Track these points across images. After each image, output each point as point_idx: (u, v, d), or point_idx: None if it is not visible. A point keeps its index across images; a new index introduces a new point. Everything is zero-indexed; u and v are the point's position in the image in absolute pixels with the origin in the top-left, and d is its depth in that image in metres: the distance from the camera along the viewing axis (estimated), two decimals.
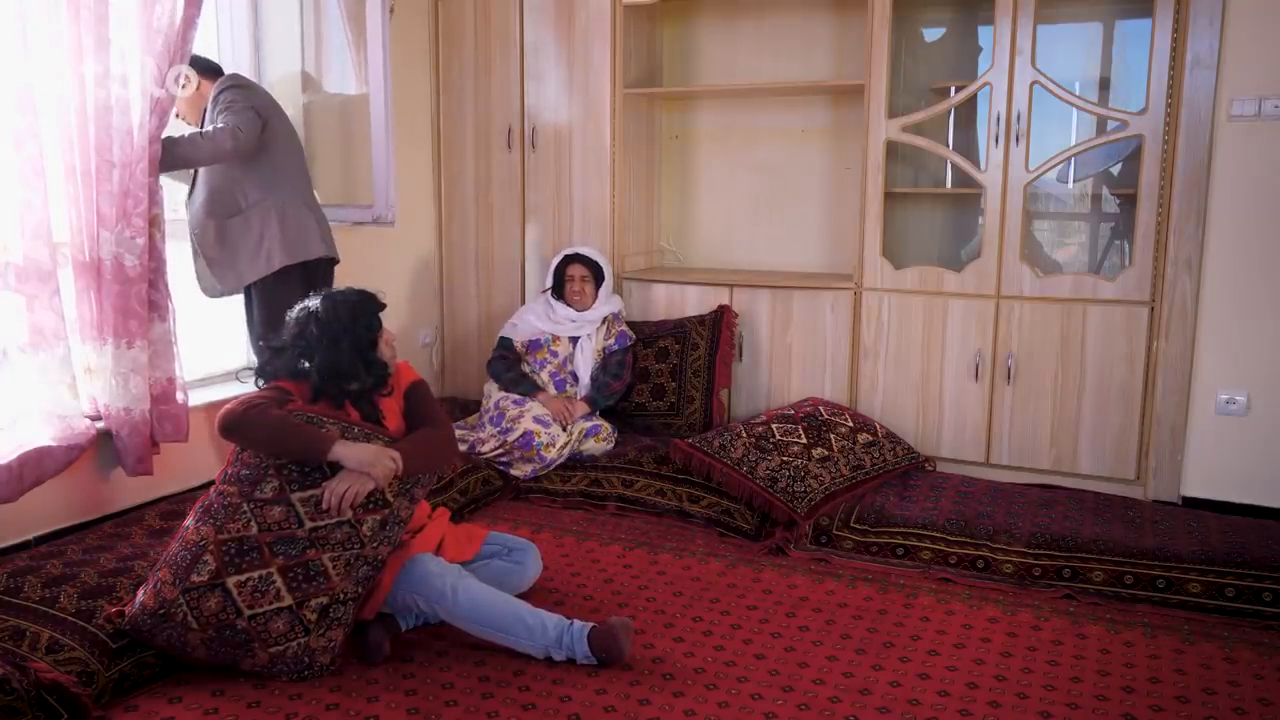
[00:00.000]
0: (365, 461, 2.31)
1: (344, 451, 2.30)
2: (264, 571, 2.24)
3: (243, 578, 2.22)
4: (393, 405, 2.56)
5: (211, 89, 3.08)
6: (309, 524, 2.30)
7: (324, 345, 2.38)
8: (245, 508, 2.29)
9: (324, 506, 2.29)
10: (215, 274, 3.12)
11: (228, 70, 3.20)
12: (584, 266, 3.85)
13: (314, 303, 2.44)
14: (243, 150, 2.96)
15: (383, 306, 2.50)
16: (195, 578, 2.21)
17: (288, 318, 2.48)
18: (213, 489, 2.36)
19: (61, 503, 2.79)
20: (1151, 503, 3.38)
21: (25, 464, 2.62)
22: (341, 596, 2.27)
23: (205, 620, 2.19)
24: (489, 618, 2.32)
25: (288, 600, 2.23)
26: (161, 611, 2.19)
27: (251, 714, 2.11)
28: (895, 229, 3.89)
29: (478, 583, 2.38)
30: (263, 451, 2.34)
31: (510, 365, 3.82)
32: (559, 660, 2.31)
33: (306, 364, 2.40)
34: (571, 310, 3.84)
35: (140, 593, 2.25)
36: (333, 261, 3.29)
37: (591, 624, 2.33)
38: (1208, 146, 3.27)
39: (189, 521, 2.32)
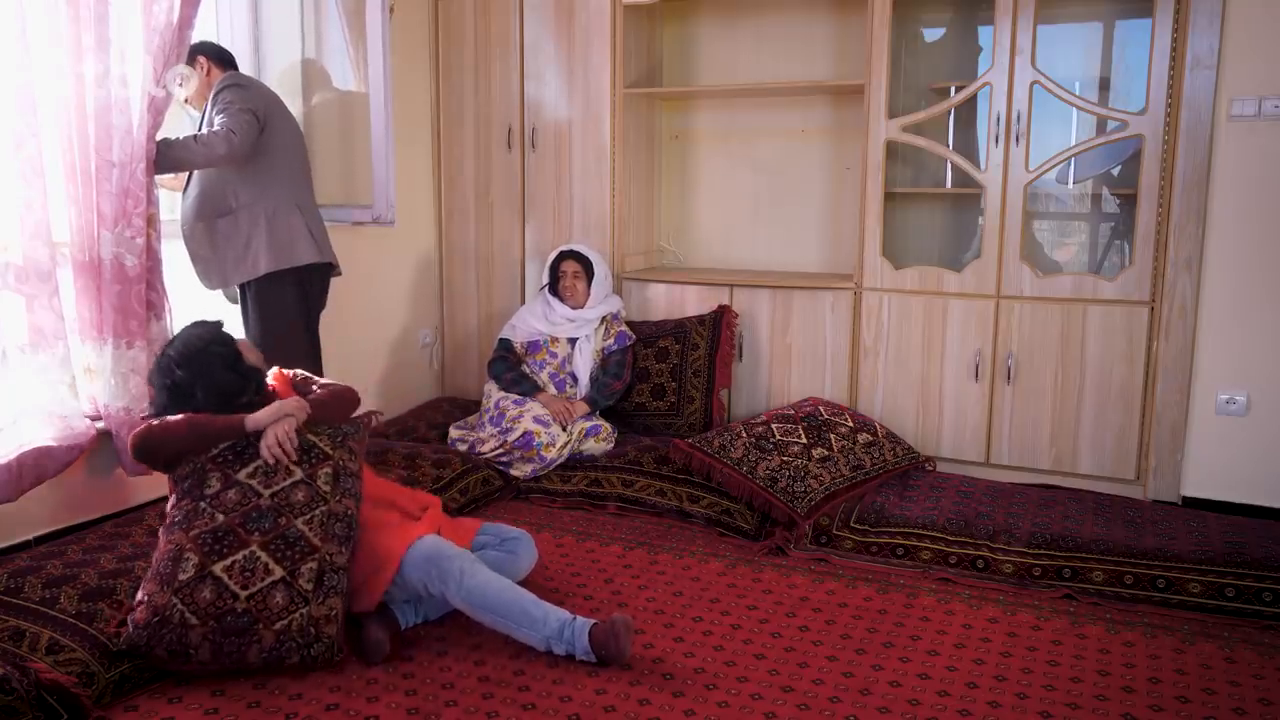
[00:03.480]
0: (275, 411, 2.41)
1: (256, 416, 2.40)
2: (246, 551, 2.25)
3: (228, 561, 2.23)
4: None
5: (218, 79, 3.08)
6: (267, 491, 2.33)
7: (199, 379, 2.44)
8: (203, 506, 2.30)
9: (270, 461, 2.36)
10: (200, 271, 3.13)
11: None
12: (575, 262, 3.85)
13: (166, 353, 2.50)
14: (237, 155, 2.95)
15: (220, 324, 2.58)
16: (182, 576, 2.20)
17: (149, 378, 2.54)
18: (168, 510, 2.36)
19: (61, 503, 2.80)
20: (1151, 503, 3.38)
21: (25, 464, 2.62)
22: (330, 561, 2.31)
23: (204, 612, 2.18)
24: (494, 603, 2.33)
25: (279, 572, 2.25)
26: (157, 619, 2.17)
27: (251, 714, 2.11)
28: (895, 229, 3.89)
29: (485, 568, 2.39)
30: (186, 449, 2.36)
31: (511, 366, 3.82)
32: (559, 654, 2.31)
33: (191, 402, 2.45)
34: (568, 309, 3.84)
35: (133, 613, 2.21)
36: (329, 267, 3.28)
37: (594, 621, 2.33)
38: (1208, 146, 3.27)
39: (161, 538, 2.31)
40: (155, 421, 2.37)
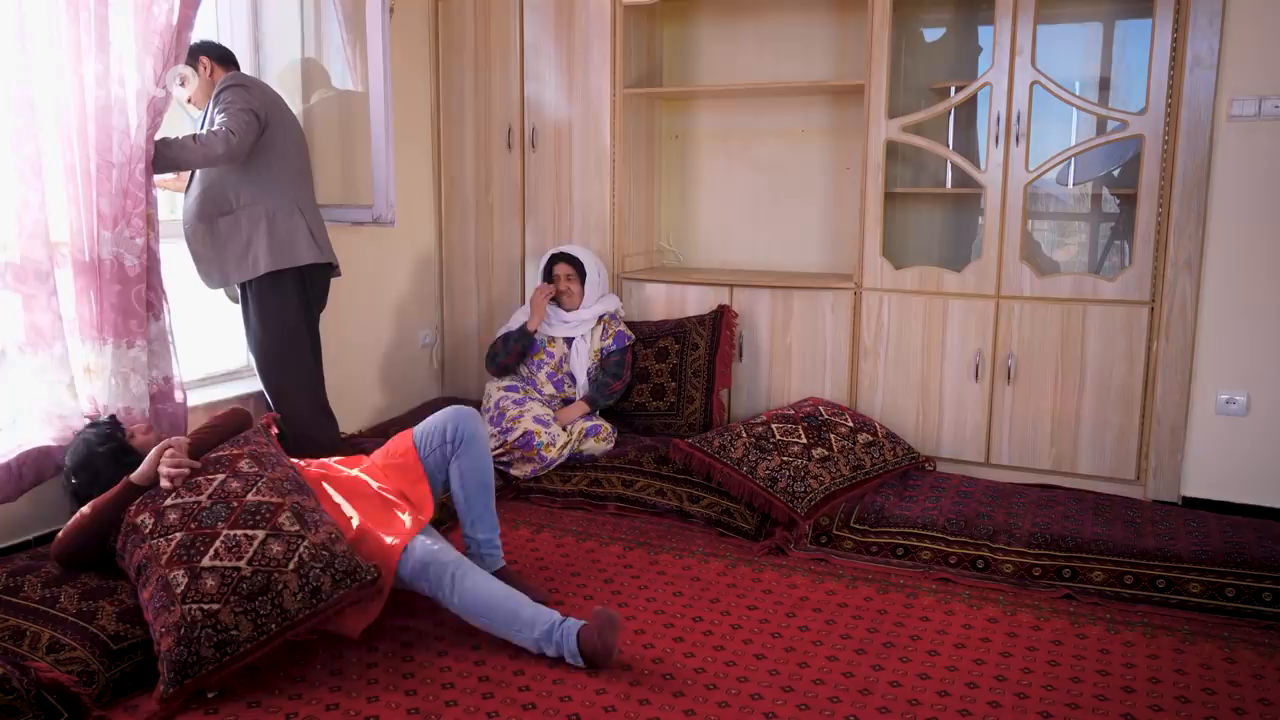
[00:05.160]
0: (152, 454, 2.42)
1: (138, 470, 2.41)
2: (220, 538, 2.25)
3: (210, 553, 2.22)
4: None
5: (220, 79, 3.08)
6: (202, 496, 2.33)
7: (91, 482, 2.52)
8: (154, 542, 2.27)
9: (170, 486, 2.35)
10: (201, 270, 3.13)
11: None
12: (569, 265, 3.85)
13: (64, 463, 2.61)
14: (235, 155, 2.95)
15: (109, 420, 2.67)
16: (178, 590, 2.18)
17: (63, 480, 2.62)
18: (132, 578, 2.34)
19: (62, 502, 2.79)
20: (1151, 503, 3.38)
21: (24, 464, 2.62)
22: (301, 505, 2.36)
23: (218, 595, 2.16)
24: (484, 608, 2.35)
25: (261, 533, 2.27)
26: (181, 630, 2.13)
27: (252, 714, 2.11)
28: (895, 229, 3.89)
29: (476, 571, 2.40)
30: (99, 531, 2.38)
31: (502, 348, 3.84)
32: (550, 655, 2.31)
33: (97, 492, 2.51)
34: (563, 311, 3.85)
35: (159, 651, 2.16)
36: (329, 267, 3.29)
37: (582, 623, 2.32)
38: (1208, 146, 3.27)
39: (140, 594, 2.28)
40: (63, 530, 2.42)
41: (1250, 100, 3.21)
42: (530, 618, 2.33)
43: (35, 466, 2.65)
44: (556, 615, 2.34)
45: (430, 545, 2.41)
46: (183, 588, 2.18)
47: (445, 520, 3.02)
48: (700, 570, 2.93)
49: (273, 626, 2.18)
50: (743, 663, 2.36)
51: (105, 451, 2.55)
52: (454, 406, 2.75)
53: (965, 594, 2.78)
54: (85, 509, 2.41)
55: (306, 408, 3.23)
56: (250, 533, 2.26)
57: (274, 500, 2.35)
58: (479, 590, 2.36)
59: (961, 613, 2.66)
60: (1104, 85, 3.70)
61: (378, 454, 2.76)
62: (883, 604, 2.71)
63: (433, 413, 2.78)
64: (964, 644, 2.48)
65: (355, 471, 2.67)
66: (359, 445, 3.61)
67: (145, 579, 2.26)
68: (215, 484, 2.37)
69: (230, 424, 2.62)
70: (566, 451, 3.61)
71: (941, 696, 2.22)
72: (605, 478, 3.50)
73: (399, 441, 2.75)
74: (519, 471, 3.57)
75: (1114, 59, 3.70)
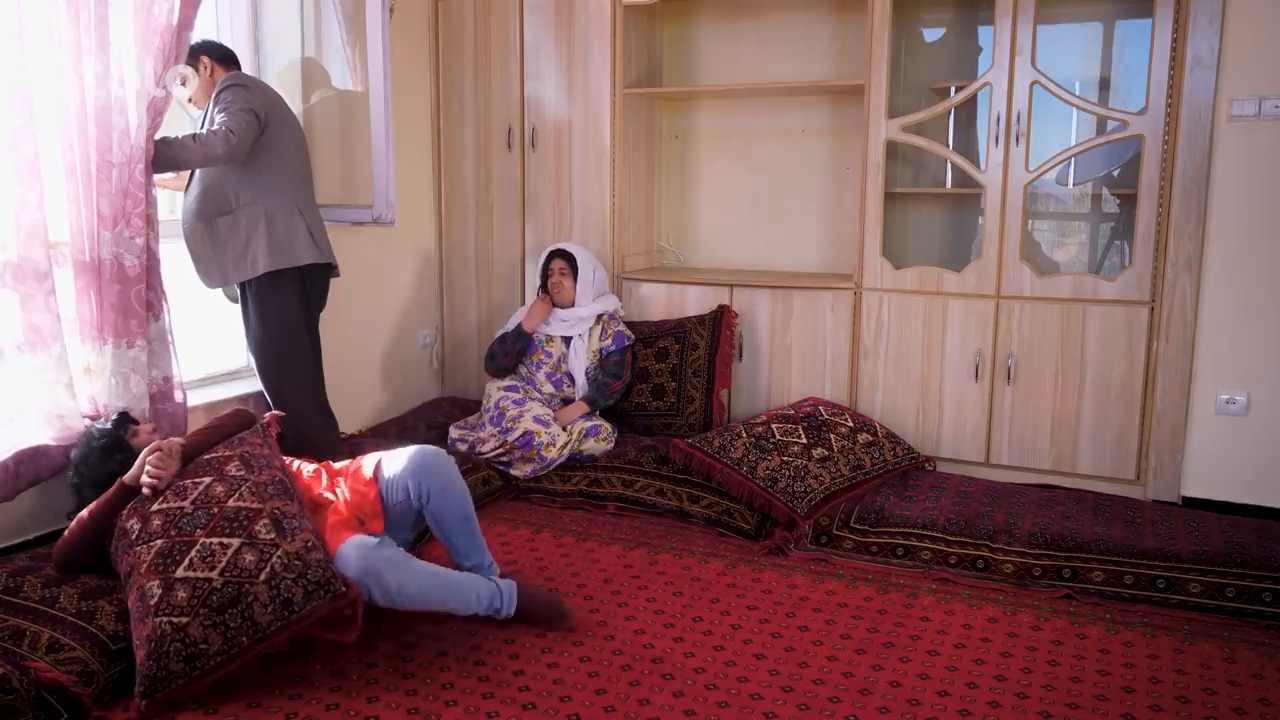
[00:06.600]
0: (142, 455, 2.43)
1: (130, 472, 2.43)
2: (196, 547, 2.23)
3: (184, 563, 2.20)
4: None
5: (220, 79, 3.08)
6: (186, 502, 2.32)
7: (85, 477, 2.55)
8: (138, 549, 2.27)
9: (149, 491, 2.36)
10: (200, 270, 3.13)
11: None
12: (563, 260, 3.86)
13: (72, 456, 2.63)
14: (235, 154, 2.95)
15: (117, 416, 2.66)
16: (152, 601, 2.16)
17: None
18: (124, 574, 2.34)
19: (62, 503, 2.79)
20: (1151, 503, 3.38)
21: (21, 462, 2.62)
22: (281, 512, 2.33)
23: (188, 608, 2.13)
24: (428, 599, 2.38)
25: (236, 541, 2.24)
26: (152, 643, 2.11)
27: (252, 714, 2.11)
28: (895, 229, 3.89)
29: (416, 569, 2.37)
30: (95, 536, 2.40)
31: (501, 350, 3.84)
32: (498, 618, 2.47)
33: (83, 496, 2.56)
34: (561, 310, 3.85)
35: (137, 662, 2.16)
36: (328, 267, 3.29)
37: (519, 587, 2.51)
38: (1208, 146, 3.27)
39: (130, 600, 2.27)
40: (62, 539, 2.45)
41: (1250, 100, 3.21)
42: (473, 595, 2.43)
43: (32, 466, 2.65)
44: (494, 587, 2.46)
45: (362, 556, 2.32)
46: (156, 599, 2.16)
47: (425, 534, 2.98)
48: (700, 570, 2.93)
49: (244, 639, 2.16)
50: (743, 663, 2.36)
51: (99, 447, 2.56)
52: (416, 453, 2.60)
53: (965, 594, 2.78)
54: (84, 513, 2.42)
55: (306, 408, 3.23)
56: (225, 541, 2.24)
57: (254, 506, 2.32)
58: (417, 590, 2.34)
59: (961, 613, 2.66)
60: (1104, 85, 3.70)
61: (346, 473, 2.68)
62: (883, 604, 2.70)
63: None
64: (964, 644, 2.48)
65: (323, 490, 2.60)
66: (358, 445, 3.61)
67: (130, 586, 2.26)
68: (200, 488, 2.35)
69: (231, 425, 2.61)
70: (566, 451, 3.61)
71: (941, 696, 2.22)
72: (605, 478, 3.50)
73: (361, 471, 2.64)
74: (519, 471, 3.57)
75: (1114, 59, 3.70)
